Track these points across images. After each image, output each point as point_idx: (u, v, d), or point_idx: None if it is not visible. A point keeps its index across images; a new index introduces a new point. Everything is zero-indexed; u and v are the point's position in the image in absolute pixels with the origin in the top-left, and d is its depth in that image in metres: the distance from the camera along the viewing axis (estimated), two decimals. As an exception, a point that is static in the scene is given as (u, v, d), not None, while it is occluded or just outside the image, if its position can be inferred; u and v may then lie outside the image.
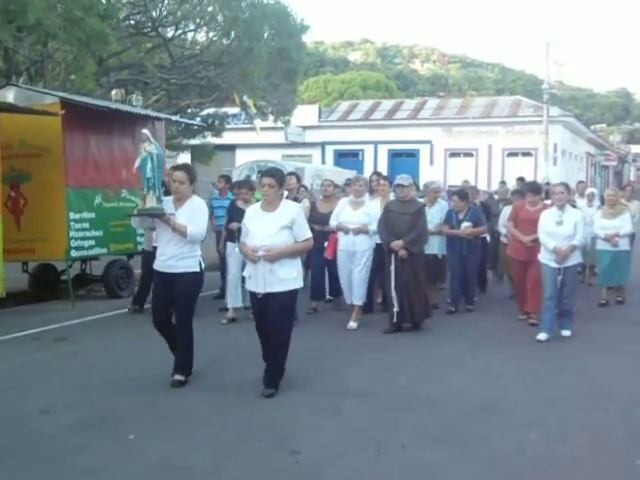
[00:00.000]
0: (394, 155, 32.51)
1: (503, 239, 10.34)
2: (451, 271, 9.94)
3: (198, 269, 6.13)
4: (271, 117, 23.96)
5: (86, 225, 10.30)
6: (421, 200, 9.61)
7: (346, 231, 8.60)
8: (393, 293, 8.19)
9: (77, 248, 10.20)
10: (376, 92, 47.23)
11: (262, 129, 26.20)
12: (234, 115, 27.11)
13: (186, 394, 5.87)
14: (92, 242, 10.38)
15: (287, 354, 5.96)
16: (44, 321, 8.97)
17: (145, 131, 6.23)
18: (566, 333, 8.11)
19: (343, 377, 6.42)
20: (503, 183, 14.17)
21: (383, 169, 30.18)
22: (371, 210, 8.68)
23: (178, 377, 6.04)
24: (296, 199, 8.68)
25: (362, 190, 8.77)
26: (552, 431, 5.04)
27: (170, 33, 19.48)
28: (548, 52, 32.10)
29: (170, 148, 23.99)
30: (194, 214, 6.06)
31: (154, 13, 18.39)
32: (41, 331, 8.51)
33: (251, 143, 29.76)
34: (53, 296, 10.90)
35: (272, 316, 5.81)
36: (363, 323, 8.60)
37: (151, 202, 6.05)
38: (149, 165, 6.07)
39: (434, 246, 9.64)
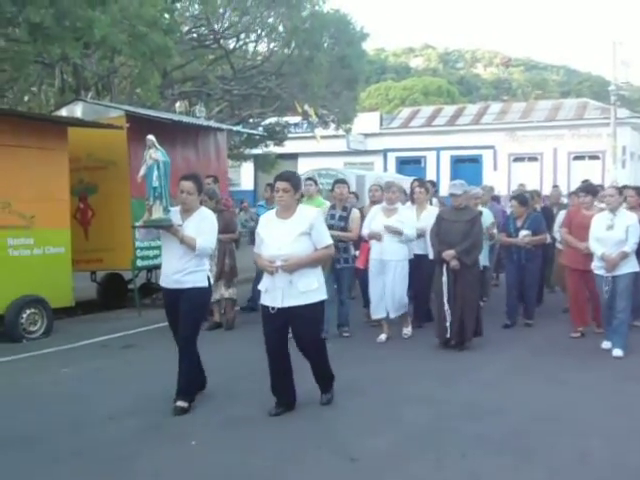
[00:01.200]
0: (457, 161, 32.19)
1: (559, 245, 9.73)
2: (508, 282, 9.35)
3: (206, 284, 5.75)
4: (332, 125, 24.10)
5: (151, 235, 10.51)
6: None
7: (378, 238, 8.15)
8: (446, 306, 7.77)
9: (142, 258, 10.44)
10: (438, 98, 46.90)
11: (324, 137, 26.33)
12: (296, 124, 27.38)
13: (245, 402, 5.93)
14: (157, 252, 10.57)
15: (328, 363, 5.74)
16: (111, 329, 9.20)
17: (150, 137, 5.81)
18: (617, 353, 7.26)
19: (402, 385, 6.39)
20: (556, 187, 13.80)
21: (446, 175, 30.00)
22: (405, 217, 8.27)
23: (180, 404, 5.60)
24: (346, 208, 8.53)
25: (395, 197, 8.31)
26: (617, 441, 4.91)
27: (232, 45, 19.84)
28: (615, 52, 31.31)
29: (233, 158, 24.37)
30: (203, 226, 5.71)
31: (216, 26, 18.74)
32: (109, 339, 8.74)
33: (313, 151, 29.90)
34: (120, 305, 11.17)
35: (299, 334, 5.48)
36: (418, 333, 8.50)
37: (158, 213, 5.67)
38: (155, 173, 5.68)
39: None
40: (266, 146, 25.67)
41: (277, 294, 5.35)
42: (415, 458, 4.63)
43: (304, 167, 27.28)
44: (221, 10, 18.09)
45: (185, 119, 13.23)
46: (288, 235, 5.36)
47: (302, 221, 5.40)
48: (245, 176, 34.32)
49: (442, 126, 33.35)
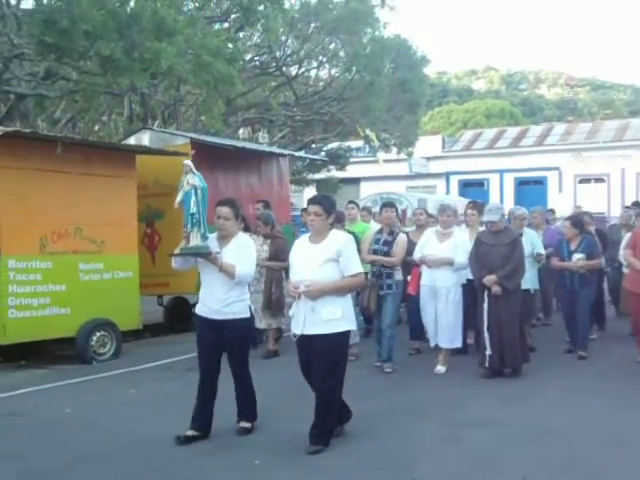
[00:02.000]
0: (521, 183, 31.82)
1: (625, 270, 9.14)
2: (563, 309, 9.07)
3: (248, 314, 5.60)
4: (394, 149, 24.19)
5: (216, 259, 10.72)
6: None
7: (429, 264, 7.85)
8: (486, 334, 7.46)
9: (207, 281, 10.63)
10: (500, 120, 46.56)
11: (386, 161, 26.44)
12: (358, 148, 27.56)
13: (307, 423, 5.98)
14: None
15: (334, 411, 5.33)
16: (176, 352, 9.38)
17: (187, 162, 5.62)
18: None
19: (463, 407, 6.37)
20: (627, 208, 13.46)
21: (510, 198, 29.70)
22: (460, 242, 7.91)
23: (244, 424, 5.66)
24: (392, 232, 8.12)
25: (450, 221, 8.03)
26: (687, 467, 4.80)
27: (294, 71, 20.12)
28: (684, 70, 30.58)
29: (296, 183, 24.65)
30: (241, 253, 5.49)
31: (278, 53, 19.06)
32: (173, 361, 8.92)
33: (375, 175, 30.03)
34: (185, 328, 11.37)
35: (315, 362, 5.21)
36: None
37: (195, 240, 5.46)
38: (193, 199, 5.48)
39: (525, 279, 8.30)
40: (328, 171, 25.90)
41: (299, 320, 5.23)
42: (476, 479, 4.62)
43: (366, 191, 27.44)
44: (283, 38, 18.42)
45: (248, 145, 13.48)
46: (315, 260, 5.19)
47: (331, 247, 5.22)
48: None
49: (505, 148, 33.06)
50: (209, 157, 10.78)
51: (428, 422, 5.96)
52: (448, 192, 31.65)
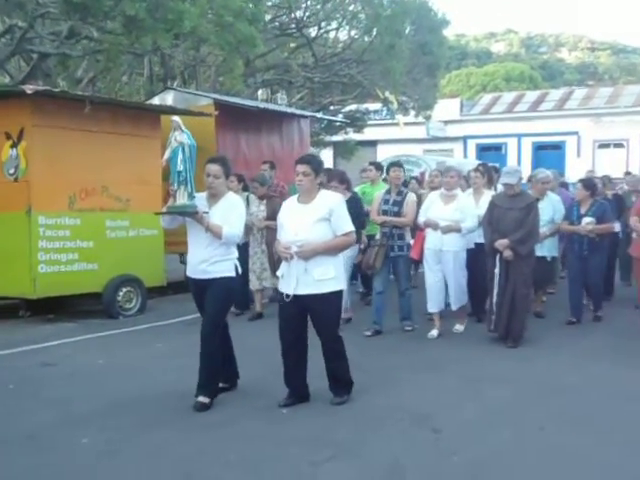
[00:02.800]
0: (539, 148, 31.68)
1: (635, 236, 8.74)
2: (569, 275, 8.75)
3: (233, 274, 5.41)
4: (412, 112, 24.14)
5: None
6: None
7: (435, 227, 7.62)
8: (495, 299, 7.34)
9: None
10: (520, 84, 46.10)
11: (406, 124, 26.37)
12: (376, 111, 27.51)
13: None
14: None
15: (347, 365, 5.43)
16: (199, 308, 9.60)
17: (175, 118, 5.47)
18: None
19: (482, 364, 6.61)
20: (628, 173, 12.89)
21: (527, 162, 29.57)
22: (464, 205, 7.72)
23: (202, 399, 5.32)
24: (401, 193, 8.04)
25: (453, 182, 7.75)
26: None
27: (313, 33, 20.04)
28: None
29: (313, 145, 24.62)
30: (230, 213, 5.35)
31: (298, 14, 19.00)
32: (196, 317, 9.07)
33: (393, 138, 29.96)
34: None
35: (318, 324, 5.29)
36: (477, 327, 8.11)
37: (182, 199, 5.32)
38: (180, 157, 5.31)
39: (543, 246, 8.42)
40: (346, 133, 25.89)
41: (291, 281, 5.17)
42: (493, 431, 4.83)
43: (383, 154, 27.43)
44: (303, -2, 18.37)
45: (271, 106, 13.60)
46: (306, 221, 5.16)
47: (322, 206, 5.19)
48: (324, 162, 34.64)
49: (524, 112, 32.83)
50: (231, 118, 10.96)
51: (447, 376, 6.18)
52: (466, 156, 31.58)
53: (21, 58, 16.62)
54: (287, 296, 5.18)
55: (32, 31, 12.45)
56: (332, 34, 21.47)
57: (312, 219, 5.16)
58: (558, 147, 31.37)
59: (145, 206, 9.56)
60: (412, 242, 8.16)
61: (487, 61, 60.18)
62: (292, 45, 21.14)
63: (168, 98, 11.27)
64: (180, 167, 5.30)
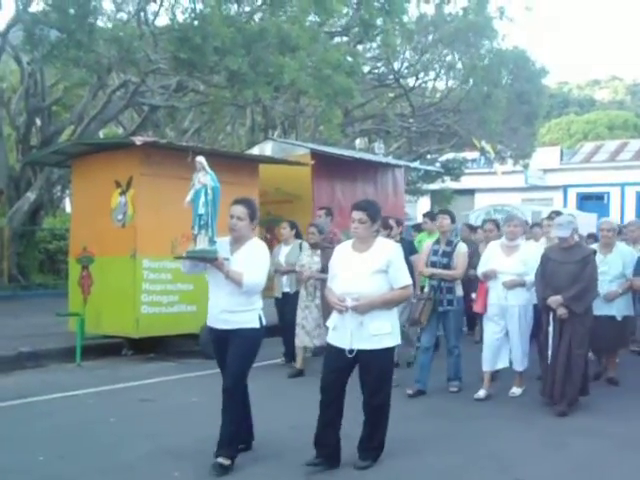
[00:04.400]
0: (644, 197, 30.80)
1: None
2: None
3: (257, 325, 5.04)
4: (510, 161, 24.03)
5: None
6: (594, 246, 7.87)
7: (494, 277, 7.12)
8: (549, 360, 6.68)
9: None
10: (624, 132, 44.95)
11: (503, 173, 26.24)
12: (473, 160, 27.51)
13: (419, 420, 6.25)
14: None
15: (386, 428, 5.07)
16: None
17: (200, 159, 5.24)
18: None
19: (570, 415, 6.48)
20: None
21: (631, 212, 28.77)
22: (529, 256, 7.10)
23: (221, 460, 4.94)
24: (451, 243, 7.51)
25: (517, 232, 7.21)
26: None
27: (411, 83, 20.39)
28: None
29: (410, 193, 24.87)
30: (252, 259, 5.00)
31: (396, 65, 19.40)
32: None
33: (490, 187, 29.81)
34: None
35: (364, 378, 4.94)
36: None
37: (202, 243, 5.01)
38: (202, 199, 5.05)
39: (612, 305, 7.60)
40: (443, 181, 25.98)
41: (346, 334, 4.85)
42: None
43: (481, 202, 27.32)
44: (401, 50, 18.75)
45: (365, 156, 13.91)
46: (362, 271, 4.85)
47: (379, 256, 4.87)
48: (422, 211, 34.69)
49: (627, 161, 32.04)
50: (327, 167, 11.28)
51: (532, 426, 6.12)
52: (565, 205, 30.99)
53: (133, 110, 17.67)
54: (350, 352, 4.82)
55: (144, 85, 13.29)
56: (429, 84, 21.78)
57: (369, 270, 4.84)
58: (664, 197, 30.40)
59: (242, 251, 9.95)
60: (474, 295, 7.77)
61: (590, 109, 59.00)
62: (390, 95, 21.54)
63: (267, 148, 11.74)
64: (202, 210, 5.03)
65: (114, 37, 11.18)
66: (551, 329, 6.66)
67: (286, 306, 8.88)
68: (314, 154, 11.12)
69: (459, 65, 19.93)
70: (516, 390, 7.27)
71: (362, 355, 4.82)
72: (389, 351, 4.95)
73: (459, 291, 7.48)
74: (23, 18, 12.06)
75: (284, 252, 8.85)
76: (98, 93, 14.79)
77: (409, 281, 4.98)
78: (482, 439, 5.77)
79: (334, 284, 5.00)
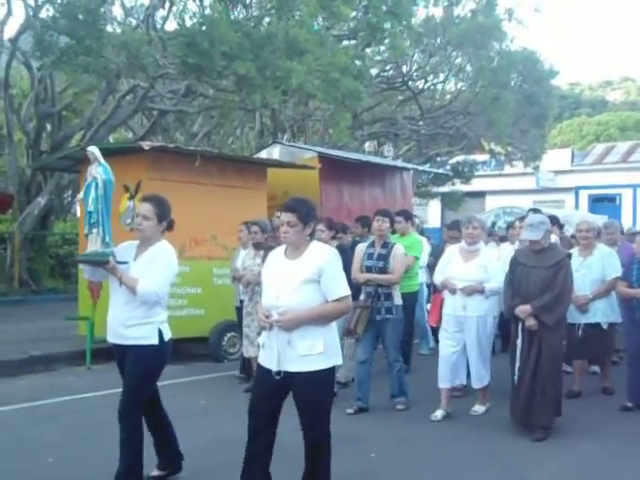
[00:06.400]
0: (656, 198, 30.64)
1: None
2: (628, 350, 6.92)
3: (156, 341, 4.46)
4: (520, 163, 24.00)
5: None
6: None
7: (452, 290, 6.43)
8: (516, 375, 6.01)
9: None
10: (636, 133, 44.78)
11: (512, 175, 26.18)
12: (483, 162, 27.48)
13: (426, 422, 6.27)
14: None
15: (329, 466, 4.23)
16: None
17: (92, 149, 4.50)
18: None
19: (577, 420, 6.44)
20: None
21: (643, 214, 28.64)
22: (489, 262, 6.40)
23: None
24: (386, 245, 6.79)
25: (476, 234, 6.45)
26: None
27: (420, 86, 20.43)
28: None
29: (420, 195, 24.91)
30: (153, 265, 4.42)
31: (404, 68, 19.44)
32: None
33: (501, 189, 29.75)
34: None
35: (300, 410, 4.14)
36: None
37: (94, 245, 4.44)
38: (92, 195, 4.37)
39: (596, 311, 7.05)
40: (453, 184, 25.98)
41: (273, 355, 4.08)
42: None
43: (492, 205, 27.25)
44: (409, 53, 18.78)
45: (372, 159, 13.94)
46: (290, 281, 4.07)
47: (310, 264, 4.08)
48: (432, 214, 34.70)
49: (639, 162, 31.89)
50: (335, 170, 11.31)
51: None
52: (577, 207, 30.88)
53: (143, 115, 17.78)
54: (278, 374, 4.04)
55: (152, 90, 13.39)
56: (438, 86, 21.80)
57: (297, 280, 4.05)
58: (676, 198, 30.24)
59: (250, 255, 10.01)
60: (428, 306, 7.08)
61: (602, 110, 58.80)
62: (399, 98, 21.57)
63: (275, 152, 11.79)
64: (91, 207, 4.40)
65: (123, 43, 11.27)
66: (519, 342, 5.98)
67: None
68: (322, 157, 11.15)
69: (468, 67, 19.94)
70: (478, 408, 6.60)
71: (291, 378, 4.05)
72: (323, 374, 4.07)
73: (397, 298, 6.74)
74: (33, 24, 12.19)
75: (241, 256, 8.20)
76: (107, 98, 14.92)
77: (346, 292, 4.14)
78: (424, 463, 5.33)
79: (263, 296, 4.30)
